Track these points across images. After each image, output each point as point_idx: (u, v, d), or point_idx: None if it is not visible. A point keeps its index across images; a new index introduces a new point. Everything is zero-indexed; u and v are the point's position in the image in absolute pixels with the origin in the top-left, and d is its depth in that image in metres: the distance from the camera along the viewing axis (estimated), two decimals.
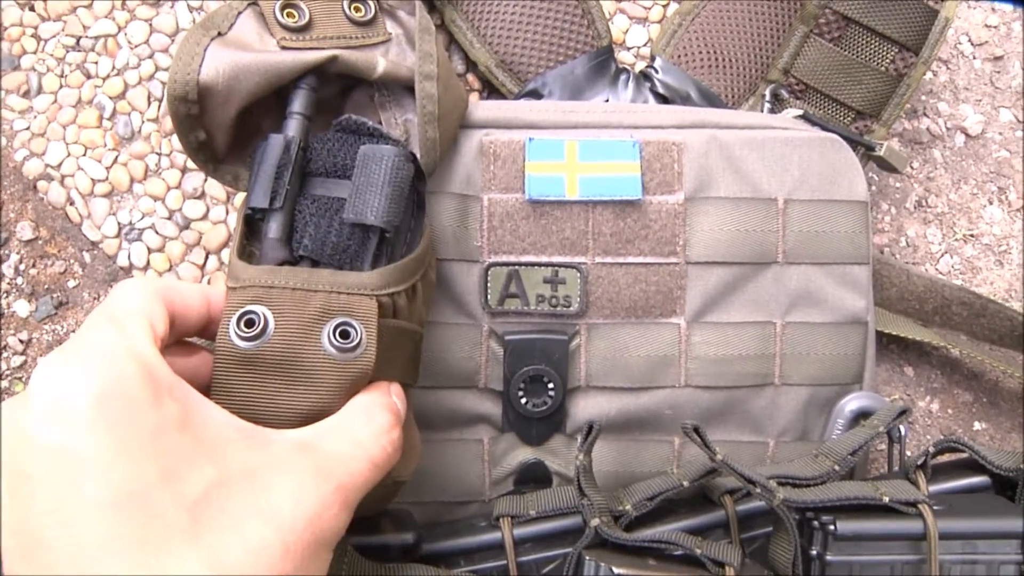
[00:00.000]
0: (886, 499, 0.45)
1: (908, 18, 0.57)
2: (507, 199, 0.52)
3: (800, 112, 0.57)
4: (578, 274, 0.52)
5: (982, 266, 0.65)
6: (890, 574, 0.44)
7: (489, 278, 0.52)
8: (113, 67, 0.59)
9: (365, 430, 0.37)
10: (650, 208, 0.52)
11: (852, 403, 0.55)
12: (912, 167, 0.66)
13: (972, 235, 0.66)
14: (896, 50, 0.58)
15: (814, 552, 0.44)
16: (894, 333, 0.59)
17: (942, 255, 0.65)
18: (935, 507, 0.45)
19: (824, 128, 0.56)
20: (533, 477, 0.53)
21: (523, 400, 0.52)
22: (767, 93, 0.59)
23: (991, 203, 0.66)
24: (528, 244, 0.52)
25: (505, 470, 0.53)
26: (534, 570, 0.48)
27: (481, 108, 0.53)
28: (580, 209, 0.52)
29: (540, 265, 0.52)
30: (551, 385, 0.52)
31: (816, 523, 0.45)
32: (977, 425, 0.64)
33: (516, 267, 0.52)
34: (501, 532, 0.48)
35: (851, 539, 0.44)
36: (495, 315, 0.52)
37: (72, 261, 0.59)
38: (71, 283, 0.60)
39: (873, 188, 0.66)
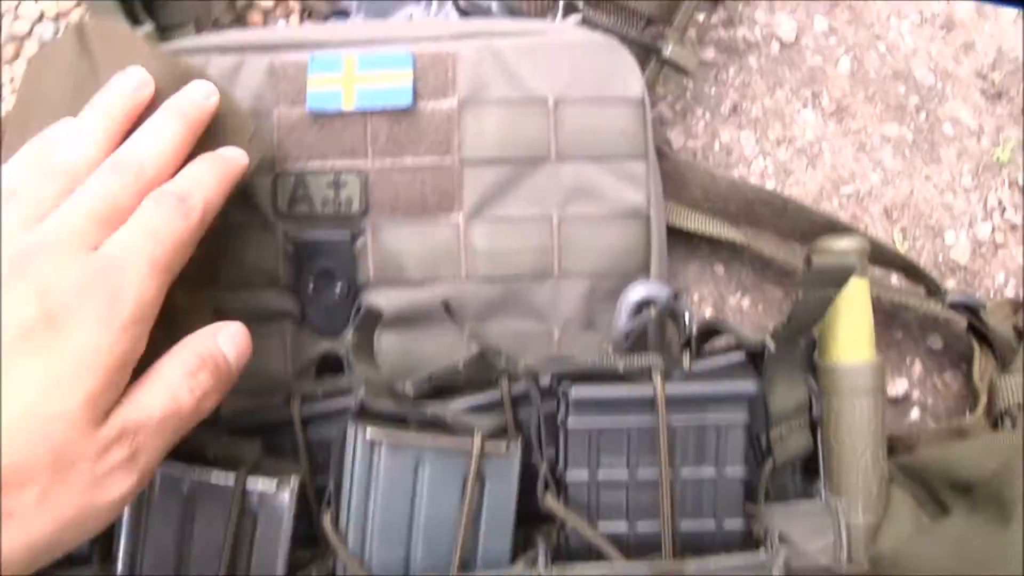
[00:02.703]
0: (620, 366, 0.49)
1: None
2: (292, 112, 0.56)
3: (580, 17, 0.60)
4: (359, 177, 0.56)
5: (794, 168, 0.69)
6: (627, 438, 0.48)
7: (279, 186, 0.57)
8: None
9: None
10: (424, 113, 0.56)
11: (634, 292, 0.58)
12: (728, 73, 0.69)
13: (786, 138, 0.69)
14: None
15: (559, 419, 0.49)
16: (697, 230, 0.63)
17: (755, 158, 0.68)
18: (674, 374, 0.49)
19: (606, 31, 0.59)
20: (331, 367, 0.58)
21: (314, 294, 0.57)
22: (560, 2, 0.62)
23: (805, 107, 0.69)
24: (312, 152, 0.56)
25: (305, 361, 0.58)
26: (323, 448, 0.53)
27: (277, 32, 0.58)
28: (357, 118, 0.56)
29: (324, 172, 0.57)
30: (339, 280, 0.57)
31: (559, 392, 0.49)
32: None
33: (302, 175, 0.57)
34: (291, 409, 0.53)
35: (588, 404, 0.48)
36: (286, 219, 0.57)
37: None
38: None
39: (688, 96, 0.69)
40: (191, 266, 0.47)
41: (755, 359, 0.52)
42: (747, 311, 0.67)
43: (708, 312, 0.66)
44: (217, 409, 0.51)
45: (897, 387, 0.66)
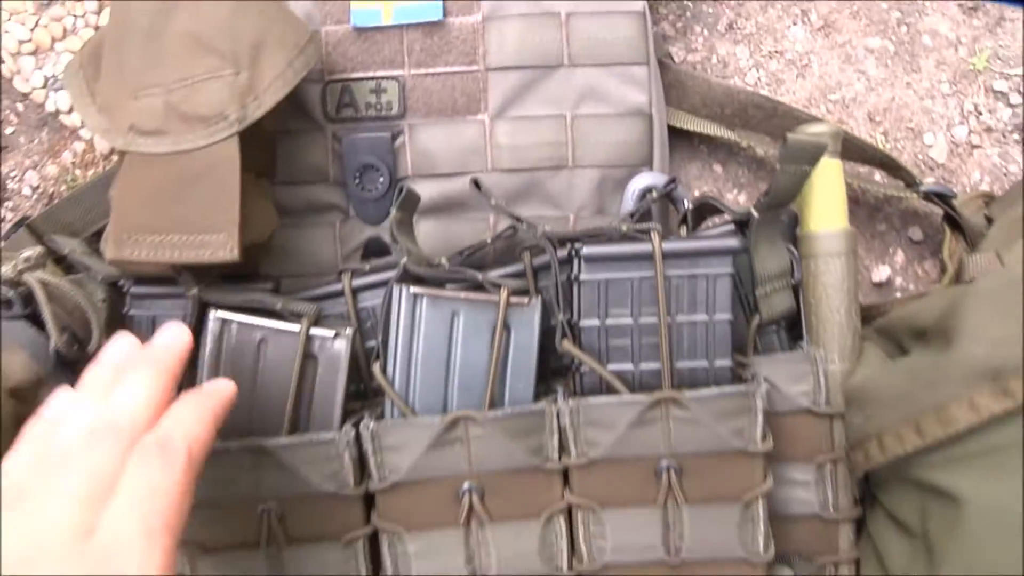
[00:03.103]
0: (624, 227, 0.57)
1: None
2: (338, 30, 0.65)
3: None
4: (397, 84, 0.65)
5: (785, 78, 0.76)
6: (631, 289, 0.56)
7: (327, 93, 0.65)
8: None
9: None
10: (453, 27, 0.64)
11: (639, 181, 0.66)
12: None
13: (777, 52, 0.76)
14: None
15: (573, 275, 0.57)
16: (695, 130, 0.71)
17: (750, 69, 0.76)
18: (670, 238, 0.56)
19: None
20: (375, 251, 0.66)
21: (360, 188, 0.65)
22: None
23: (795, 24, 0.76)
24: (356, 64, 0.65)
25: (352, 246, 0.67)
26: (370, 313, 0.61)
27: None
28: (395, 32, 0.64)
29: (366, 79, 0.65)
30: (381, 173, 0.65)
31: (573, 251, 0.57)
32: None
33: (347, 83, 0.65)
34: (342, 282, 0.61)
35: (597, 259, 0.56)
36: (334, 122, 0.65)
37: (7, 112, 0.74)
38: (8, 130, 0.75)
39: (688, 15, 0.76)
40: (255, 164, 0.56)
41: (743, 230, 0.59)
42: (743, 205, 0.75)
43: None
44: (278, 283, 0.60)
45: (881, 274, 0.74)
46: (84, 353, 0.56)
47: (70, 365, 0.56)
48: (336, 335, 0.55)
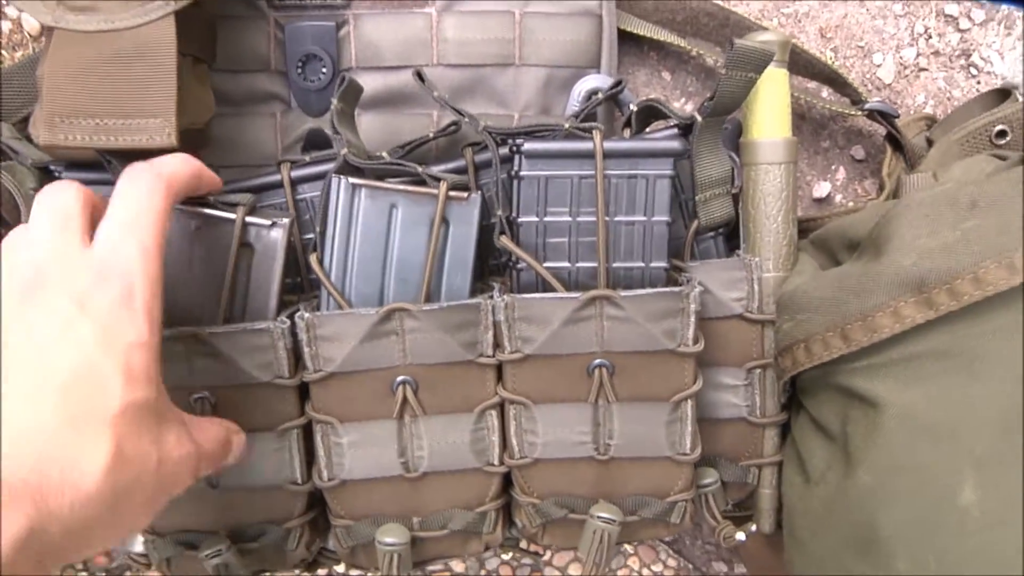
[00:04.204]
0: (566, 125, 0.56)
1: None
2: None
3: None
4: None
5: None
6: (570, 187, 0.56)
7: None
8: None
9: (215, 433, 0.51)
10: None
11: (586, 83, 0.66)
12: None
13: None
14: None
15: (513, 171, 0.56)
16: (645, 35, 0.70)
17: None
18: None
19: None
20: (316, 143, 0.65)
21: (302, 77, 0.64)
22: None
23: None
24: None
25: (293, 138, 0.66)
26: (309, 205, 0.60)
27: None
28: None
29: None
30: (324, 63, 0.64)
31: (514, 147, 0.56)
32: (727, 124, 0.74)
33: None
34: (281, 173, 0.60)
35: (538, 156, 0.55)
36: (277, 8, 0.64)
37: None
38: None
39: None
40: (191, 48, 0.54)
41: (686, 135, 0.59)
42: (690, 113, 0.74)
43: None
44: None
45: (822, 189, 0.74)
46: None
47: None
48: (273, 224, 0.54)
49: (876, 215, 0.55)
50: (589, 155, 0.54)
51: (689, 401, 0.56)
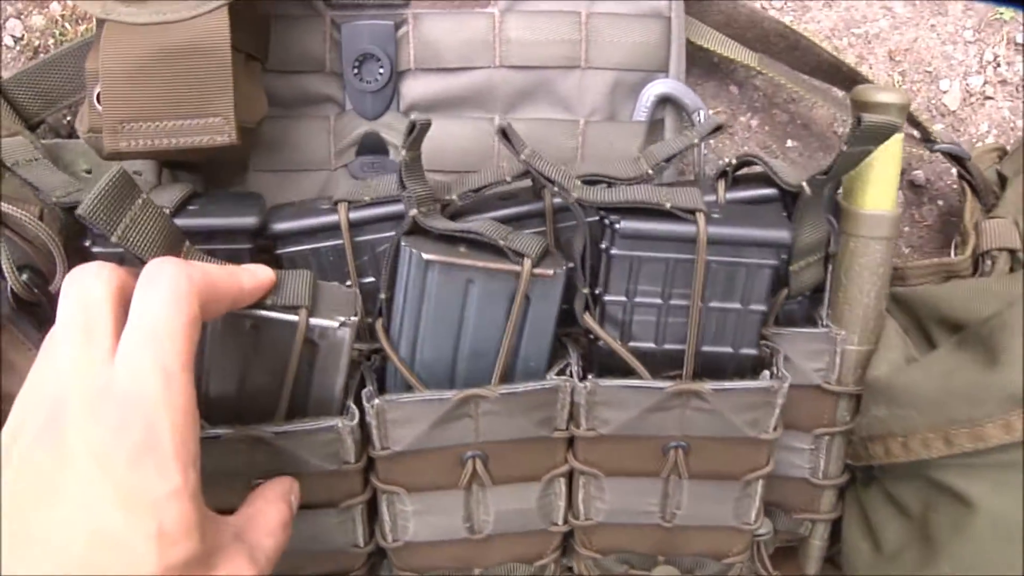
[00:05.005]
0: (667, 204, 0.51)
1: None
2: None
3: None
4: None
5: (812, 6, 0.69)
6: (665, 269, 0.51)
7: None
8: None
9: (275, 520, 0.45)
10: None
11: (656, 88, 0.60)
12: None
13: None
14: None
15: (603, 246, 0.51)
16: (715, 49, 0.63)
17: None
18: (714, 215, 0.51)
19: None
20: (371, 148, 0.59)
21: (358, 79, 0.57)
22: None
23: None
24: None
25: (347, 142, 0.60)
26: (368, 249, 0.55)
27: None
28: None
29: None
30: (381, 64, 0.57)
31: (607, 221, 0.51)
32: (790, 143, 0.71)
33: None
34: (338, 214, 0.54)
35: (633, 237, 0.50)
36: (334, 7, 0.57)
37: None
38: None
39: None
40: (245, 45, 0.50)
41: (784, 195, 0.54)
42: (755, 129, 0.70)
43: None
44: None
45: None
46: (48, 293, 0.50)
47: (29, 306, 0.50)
48: (341, 325, 0.48)
49: (977, 295, 0.54)
50: (690, 239, 0.50)
51: (760, 480, 0.55)
